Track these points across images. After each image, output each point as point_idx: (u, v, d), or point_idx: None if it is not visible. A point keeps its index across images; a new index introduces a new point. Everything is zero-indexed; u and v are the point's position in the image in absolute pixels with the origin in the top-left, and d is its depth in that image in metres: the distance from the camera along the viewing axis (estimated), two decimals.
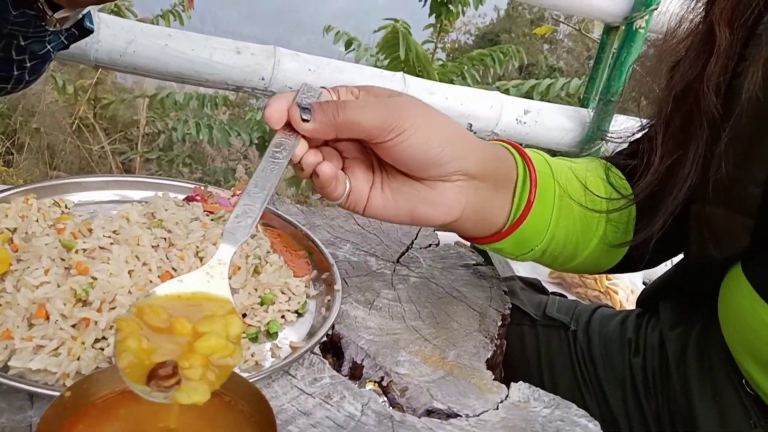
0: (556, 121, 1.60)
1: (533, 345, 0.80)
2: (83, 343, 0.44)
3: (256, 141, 3.06)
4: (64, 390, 0.35)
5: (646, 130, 0.65)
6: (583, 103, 1.67)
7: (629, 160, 0.66)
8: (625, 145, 0.70)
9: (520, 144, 0.62)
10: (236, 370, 0.38)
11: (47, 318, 0.44)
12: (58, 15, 0.53)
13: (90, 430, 0.34)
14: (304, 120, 0.47)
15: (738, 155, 0.53)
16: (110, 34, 1.33)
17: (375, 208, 0.54)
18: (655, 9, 1.54)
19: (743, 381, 0.59)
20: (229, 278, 0.54)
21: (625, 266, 0.72)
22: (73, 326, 0.45)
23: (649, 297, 0.80)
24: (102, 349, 0.45)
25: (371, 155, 0.54)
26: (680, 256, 0.75)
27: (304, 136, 0.49)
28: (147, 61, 1.37)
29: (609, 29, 1.69)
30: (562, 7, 1.70)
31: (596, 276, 1.20)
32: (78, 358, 0.44)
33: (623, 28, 1.64)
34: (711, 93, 0.54)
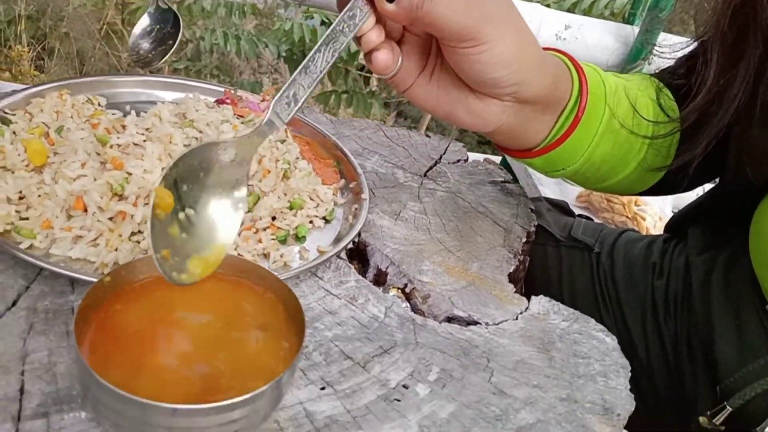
0: (598, 38, 1.52)
1: (556, 265, 0.81)
2: (120, 235, 0.46)
3: (284, 54, 3.00)
4: (104, 275, 0.36)
5: (695, 47, 0.62)
6: (628, 20, 1.58)
7: (679, 80, 0.63)
8: (672, 63, 0.67)
9: None
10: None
11: (85, 210, 0.46)
12: None
13: (127, 308, 0.36)
14: (389, 0, 0.44)
15: None
16: None
17: (415, 95, 0.52)
18: None
19: (766, 307, 0.59)
20: (258, 177, 0.55)
21: (659, 189, 0.70)
22: (110, 219, 0.46)
23: (678, 222, 0.80)
24: (138, 242, 0.46)
25: (434, 43, 0.52)
26: (713, 183, 0.73)
27: (375, 10, 0.45)
28: None
29: None
30: None
31: (624, 201, 1.19)
32: (115, 250, 0.45)
33: None
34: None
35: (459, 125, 0.54)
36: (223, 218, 0.39)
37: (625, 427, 0.78)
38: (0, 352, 0.37)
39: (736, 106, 0.54)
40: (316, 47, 0.43)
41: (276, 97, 0.41)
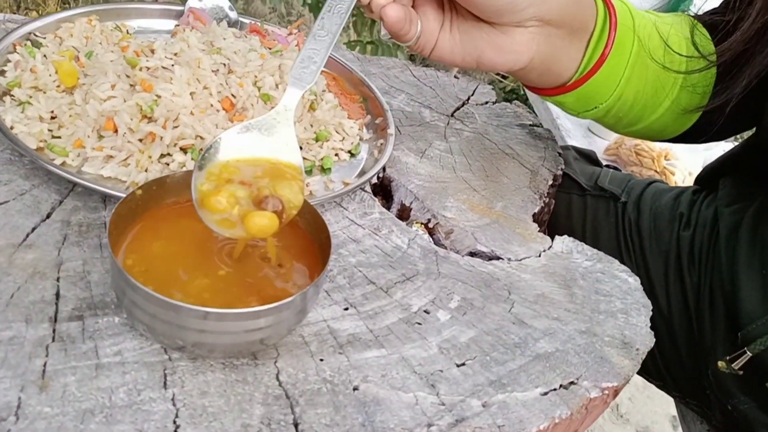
0: None
1: (580, 213, 0.80)
2: (150, 156, 0.46)
3: (309, 1, 2.95)
4: (136, 188, 0.37)
5: None
6: None
7: (716, 17, 0.60)
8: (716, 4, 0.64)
9: None
10: None
11: (115, 131, 0.46)
12: None
13: (158, 225, 0.37)
14: None
15: None
16: None
17: (442, 51, 0.52)
18: None
19: None
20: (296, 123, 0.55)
21: (693, 136, 0.68)
22: (140, 141, 0.47)
23: (709, 175, 0.78)
24: (167, 164, 0.47)
25: None
26: (744, 136, 0.71)
27: None
28: None
29: None
30: None
31: (654, 155, 1.17)
32: (146, 170, 0.46)
33: None
34: None
35: (492, 68, 0.53)
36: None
37: (641, 374, 0.79)
38: (36, 259, 0.38)
39: None
40: (320, 14, 0.43)
41: (291, 67, 0.42)
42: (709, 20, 0.62)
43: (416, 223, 0.55)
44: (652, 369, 0.75)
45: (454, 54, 0.52)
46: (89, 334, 0.35)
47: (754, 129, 0.69)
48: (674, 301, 0.71)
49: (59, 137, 0.47)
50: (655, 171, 1.15)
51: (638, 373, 0.79)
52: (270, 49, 0.60)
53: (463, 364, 0.39)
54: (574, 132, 1.32)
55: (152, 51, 0.51)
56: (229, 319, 0.32)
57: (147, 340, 0.35)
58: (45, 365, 0.32)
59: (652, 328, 0.47)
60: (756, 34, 0.53)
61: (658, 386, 0.79)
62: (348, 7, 0.44)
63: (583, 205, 0.80)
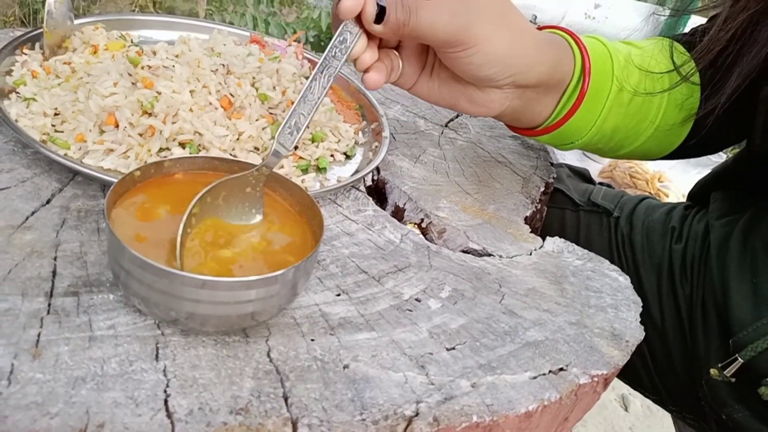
0: (628, 19, 1.51)
1: (573, 228, 0.81)
2: (149, 150, 0.47)
3: (311, 40, 3.02)
4: (134, 169, 0.38)
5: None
6: (660, 1, 1.56)
7: (690, 37, 0.63)
8: None
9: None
10: None
11: (116, 125, 0.48)
12: None
13: (155, 199, 0.38)
14: (376, 22, 0.45)
15: None
16: None
17: (419, 92, 0.55)
18: None
19: None
20: (281, 107, 0.56)
21: (684, 152, 0.70)
22: (140, 135, 0.48)
23: (701, 190, 0.79)
24: (166, 158, 0.48)
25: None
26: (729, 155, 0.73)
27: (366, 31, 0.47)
28: None
29: None
30: None
31: (648, 178, 1.18)
32: (145, 163, 0.47)
33: None
34: None
35: (465, 113, 0.56)
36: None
37: (638, 389, 0.78)
38: (34, 240, 0.39)
39: (765, 52, 0.54)
40: (312, 75, 0.45)
41: (279, 129, 0.43)
42: (684, 38, 0.64)
43: (409, 223, 0.56)
44: (648, 383, 0.75)
45: (431, 95, 0.55)
46: (84, 308, 0.35)
47: (745, 142, 0.70)
48: (667, 313, 0.71)
49: (62, 131, 0.48)
50: (649, 193, 1.17)
51: (634, 387, 0.79)
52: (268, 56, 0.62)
53: (453, 348, 0.39)
54: (568, 154, 1.34)
55: (154, 53, 0.53)
56: (223, 288, 0.32)
57: (140, 316, 0.36)
58: (39, 335, 0.33)
59: (647, 344, 0.47)
60: (736, 35, 0.55)
61: (654, 401, 0.79)
62: (337, 70, 0.46)
63: (576, 220, 0.81)
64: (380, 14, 0.45)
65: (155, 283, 0.32)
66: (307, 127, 0.45)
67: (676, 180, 1.21)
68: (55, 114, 0.49)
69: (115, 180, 0.42)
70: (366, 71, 0.49)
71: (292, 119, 0.44)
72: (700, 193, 0.79)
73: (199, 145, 0.49)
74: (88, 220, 0.42)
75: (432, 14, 0.46)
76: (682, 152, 0.69)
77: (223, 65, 0.53)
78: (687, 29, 0.78)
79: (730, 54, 0.55)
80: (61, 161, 0.43)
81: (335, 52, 0.46)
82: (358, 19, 0.46)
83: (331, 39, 0.46)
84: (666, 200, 1.17)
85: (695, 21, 1.56)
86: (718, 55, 0.57)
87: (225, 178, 0.39)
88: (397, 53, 0.52)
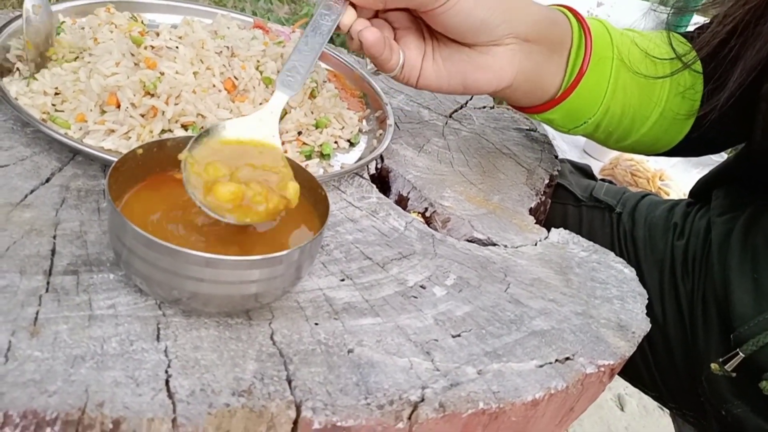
0: (630, 17, 1.50)
1: (575, 223, 0.81)
2: (151, 131, 0.47)
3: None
4: (136, 148, 0.37)
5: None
6: (662, 1, 1.56)
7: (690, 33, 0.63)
8: None
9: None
10: None
11: (118, 106, 0.47)
12: None
13: (158, 189, 0.37)
14: None
15: None
16: None
17: (428, 79, 0.54)
18: None
19: None
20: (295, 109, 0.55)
21: (687, 149, 0.69)
22: (142, 116, 0.47)
23: (702, 187, 0.79)
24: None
25: (422, 25, 0.54)
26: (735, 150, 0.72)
27: (353, 5, 0.48)
28: None
29: None
30: None
31: (649, 176, 1.18)
32: None
33: None
34: None
35: (478, 90, 0.55)
36: None
37: (637, 386, 0.78)
38: (33, 218, 0.38)
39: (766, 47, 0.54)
40: (305, 32, 0.46)
41: (278, 75, 0.44)
42: (686, 34, 0.64)
43: (413, 212, 0.56)
44: (648, 380, 0.74)
45: (440, 80, 0.54)
46: (83, 287, 0.34)
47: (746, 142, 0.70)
48: (669, 309, 0.71)
49: (62, 111, 0.47)
50: (651, 191, 1.16)
51: (634, 384, 0.79)
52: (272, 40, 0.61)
53: (459, 335, 0.39)
54: (570, 153, 1.34)
55: (157, 34, 0.52)
56: (227, 267, 0.31)
57: (142, 296, 0.35)
58: (37, 313, 0.32)
59: (648, 341, 0.47)
60: (737, 29, 0.55)
61: (653, 397, 0.78)
62: (330, 28, 0.47)
63: (579, 215, 0.81)
64: None
65: (158, 261, 0.31)
66: (309, 72, 0.46)
67: (677, 179, 1.21)
68: (56, 93, 0.48)
69: (115, 159, 0.42)
70: (360, 33, 0.49)
71: (289, 64, 0.45)
72: (701, 190, 0.79)
73: (202, 127, 0.48)
74: (88, 200, 0.41)
75: None
76: (685, 148, 0.69)
77: (228, 47, 0.52)
78: (690, 28, 0.78)
79: (732, 48, 0.55)
80: (62, 140, 0.43)
81: (322, 20, 0.48)
82: None
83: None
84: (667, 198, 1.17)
85: (697, 21, 1.56)
86: (719, 47, 0.56)
87: (234, 119, 0.39)
88: (398, 46, 0.52)
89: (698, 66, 0.60)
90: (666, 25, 1.55)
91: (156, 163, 0.38)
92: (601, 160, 1.34)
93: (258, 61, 0.53)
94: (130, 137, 0.46)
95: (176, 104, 0.48)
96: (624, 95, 0.60)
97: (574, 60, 0.57)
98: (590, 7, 1.50)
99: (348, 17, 0.49)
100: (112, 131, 0.46)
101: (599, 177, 1.30)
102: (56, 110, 0.47)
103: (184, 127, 0.48)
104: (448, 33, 0.51)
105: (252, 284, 0.33)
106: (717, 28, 0.56)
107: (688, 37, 0.65)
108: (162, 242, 0.30)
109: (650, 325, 0.46)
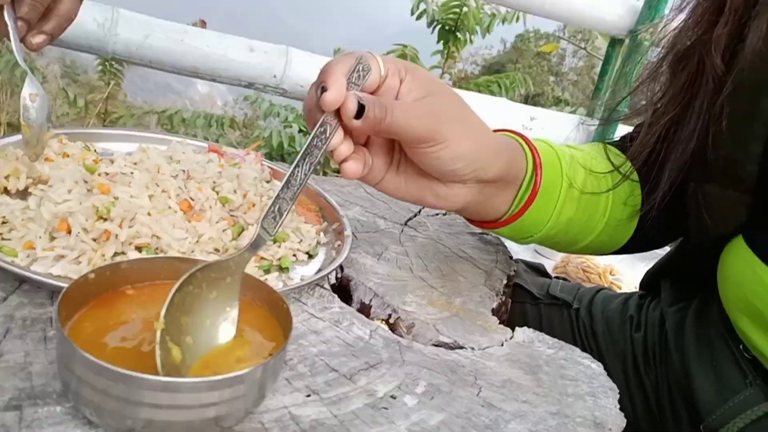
0: (565, 131, 1.62)
1: (536, 321, 0.81)
2: (104, 255, 0.45)
3: (264, 155, 3.10)
4: (88, 272, 0.36)
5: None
6: (588, 113, 1.70)
7: (620, 142, 0.68)
8: None
9: None
10: None
11: (68, 231, 0.46)
12: None
13: (112, 307, 0.36)
14: (355, 118, 0.48)
15: (737, 117, 0.54)
16: (128, 28, 1.37)
17: (386, 187, 0.56)
18: (659, 22, 1.58)
19: (740, 346, 0.60)
20: (243, 209, 0.55)
21: (634, 247, 0.73)
22: (94, 240, 0.46)
23: (650, 278, 0.81)
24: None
25: (396, 141, 0.56)
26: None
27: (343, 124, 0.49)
28: (162, 55, 1.40)
29: (614, 42, 1.73)
30: (568, 19, 1.74)
31: (600, 272, 1.21)
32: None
33: (627, 41, 1.69)
34: (717, 55, 0.55)
35: (430, 207, 0.58)
36: (218, 337, 0.38)
37: None
38: None
39: (691, 147, 0.58)
40: (295, 162, 0.46)
41: (263, 215, 0.44)
42: (616, 143, 0.70)
43: (377, 320, 0.55)
44: None
45: (398, 191, 0.56)
46: (26, 423, 0.31)
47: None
48: (638, 401, 0.70)
49: (9, 239, 0.46)
50: (604, 286, 1.19)
51: None
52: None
53: None
54: (522, 254, 1.37)
55: (112, 161, 0.52)
56: (186, 390, 0.30)
57: (92, 428, 0.32)
58: None
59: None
60: (665, 137, 0.60)
61: None
62: (318, 158, 0.47)
63: (538, 313, 0.81)
64: (359, 111, 0.47)
65: (110, 389, 0.29)
66: (288, 212, 0.45)
67: (626, 273, 1.24)
68: (3, 222, 0.47)
69: (64, 285, 0.40)
70: (344, 161, 0.51)
71: (276, 205, 0.44)
72: (650, 281, 0.81)
73: (157, 248, 0.48)
74: (34, 329, 0.39)
75: (406, 113, 0.49)
76: (631, 247, 0.72)
77: (183, 171, 0.53)
78: (616, 136, 0.84)
79: (659, 153, 0.60)
80: (7, 267, 0.41)
81: (316, 141, 0.47)
82: (338, 113, 0.48)
83: (294, 151, 0.47)
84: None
85: (623, 129, 1.69)
86: (648, 155, 0.61)
87: (207, 263, 0.38)
88: (366, 150, 0.53)
89: (635, 176, 0.64)
90: (595, 134, 1.67)
91: (109, 285, 0.37)
92: (552, 259, 1.37)
93: (214, 182, 0.54)
94: (80, 262, 0.45)
95: (130, 227, 0.47)
96: (570, 213, 0.63)
97: (523, 192, 0.60)
98: (524, 122, 1.62)
99: (338, 137, 0.49)
100: (62, 257, 0.45)
101: (553, 275, 1.33)
102: (2, 239, 0.46)
103: (138, 248, 0.47)
104: (421, 166, 0.53)
105: (212, 407, 0.31)
106: (645, 138, 0.61)
107: (620, 147, 0.70)
108: (114, 368, 0.29)
109: (625, 420, 0.45)
